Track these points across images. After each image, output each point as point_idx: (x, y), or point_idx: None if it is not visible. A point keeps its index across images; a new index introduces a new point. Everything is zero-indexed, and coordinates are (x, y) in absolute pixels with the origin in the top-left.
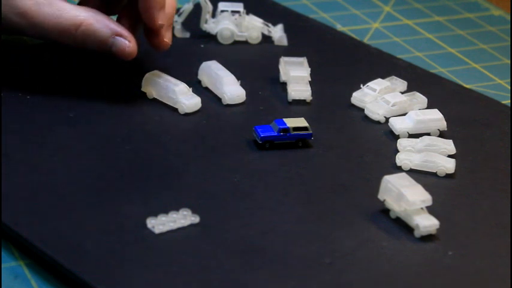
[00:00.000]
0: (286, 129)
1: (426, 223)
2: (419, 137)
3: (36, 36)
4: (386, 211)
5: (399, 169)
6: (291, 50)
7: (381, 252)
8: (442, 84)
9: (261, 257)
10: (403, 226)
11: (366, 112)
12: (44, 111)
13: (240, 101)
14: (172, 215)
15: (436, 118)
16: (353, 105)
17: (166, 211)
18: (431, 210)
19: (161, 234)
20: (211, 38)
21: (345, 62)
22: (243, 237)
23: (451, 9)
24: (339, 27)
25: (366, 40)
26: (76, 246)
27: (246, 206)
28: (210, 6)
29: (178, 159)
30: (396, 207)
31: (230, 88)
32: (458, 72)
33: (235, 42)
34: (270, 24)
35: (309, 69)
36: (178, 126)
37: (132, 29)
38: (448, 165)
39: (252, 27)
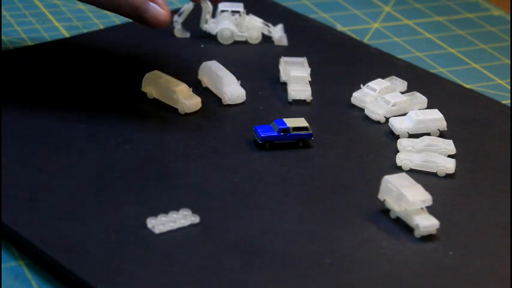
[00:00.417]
0: (286, 129)
1: (426, 223)
2: (420, 137)
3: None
4: (386, 211)
5: (399, 169)
6: (291, 50)
7: (381, 252)
8: (442, 84)
9: (261, 257)
10: (403, 226)
11: (366, 112)
12: (44, 111)
13: (240, 101)
14: (173, 215)
15: (436, 118)
16: (353, 105)
17: (166, 211)
18: (431, 210)
19: (161, 234)
20: (211, 38)
21: (345, 62)
22: (243, 237)
23: (451, 9)
24: (339, 27)
25: (366, 40)
26: (76, 246)
27: (246, 206)
28: (210, 6)
29: (178, 159)
30: (396, 207)
31: (230, 88)
32: (458, 72)
33: (235, 42)
34: (270, 24)
35: (309, 69)
36: (178, 126)
37: None
38: (448, 165)
39: (252, 27)
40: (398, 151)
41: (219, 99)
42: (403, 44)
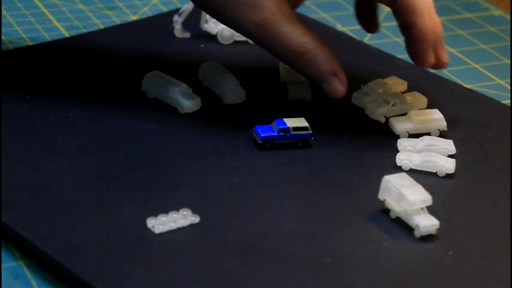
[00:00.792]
0: (286, 129)
1: (426, 223)
2: (420, 137)
3: (257, 42)
4: (386, 211)
5: (399, 169)
6: None
7: (381, 252)
8: (442, 84)
9: (261, 257)
10: (403, 226)
11: (366, 112)
12: (44, 111)
13: (240, 101)
14: (173, 215)
15: (436, 118)
16: (353, 105)
17: (166, 211)
18: (431, 210)
19: (161, 234)
20: (212, 38)
21: (345, 62)
22: (243, 237)
23: (451, 9)
24: (339, 27)
25: (366, 40)
26: (76, 246)
27: (246, 206)
28: None
29: (178, 159)
30: (396, 207)
31: (230, 88)
32: (458, 72)
33: (236, 43)
34: None
35: None
36: (178, 126)
37: None
38: (448, 165)
39: None
40: (398, 151)
41: (219, 99)
42: (403, 44)
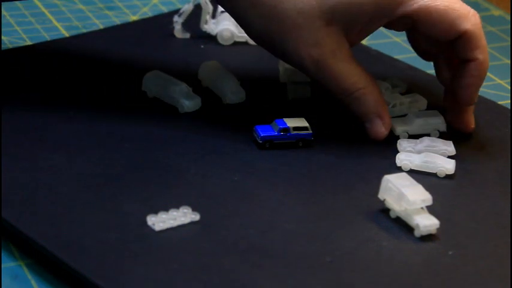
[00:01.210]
0: (287, 129)
1: (426, 223)
2: (419, 137)
3: (312, 77)
4: (386, 211)
5: (399, 170)
6: None
7: (381, 252)
8: (442, 86)
9: (261, 256)
10: (403, 226)
11: None
12: (44, 111)
13: (240, 101)
14: (173, 213)
15: (435, 119)
16: None
17: (166, 209)
18: (431, 210)
19: (161, 231)
20: (212, 38)
21: None
22: (243, 235)
23: None
24: None
25: (365, 40)
26: (77, 244)
27: (246, 205)
28: (210, 7)
29: (179, 159)
30: (396, 206)
31: (230, 88)
32: None
33: (235, 43)
34: None
35: None
36: (178, 126)
37: None
38: (448, 166)
39: None
40: (398, 152)
41: (219, 99)
42: (403, 44)
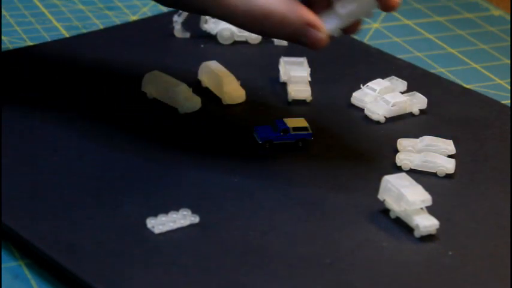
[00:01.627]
0: (286, 130)
1: (426, 223)
2: (419, 137)
3: (221, 18)
4: (386, 211)
5: (399, 169)
6: (291, 50)
7: (381, 252)
8: (442, 84)
9: (261, 257)
10: (403, 226)
11: (366, 112)
12: (43, 111)
13: (240, 101)
14: (172, 215)
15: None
16: (353, 105)
17: (166, 211)
18: (431, 210)
19: (161, 234)
20: (211, 38)
21: (345, 62)
22: (242, 237)
23: (451, 9)
24: None
25: (366, 40)
26: (76, 246)
27: (246, 206)
28: None
29: (178, 159)
30: (396, 207)
31: (230, 88)
32: (458, 72)
33: (235, 43)
34: None
35: (309, 69)
36: (178, 126)
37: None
38: (448, 166)
39: None
40: (398, 151)
41: (219, 99)
42: (403, 44)
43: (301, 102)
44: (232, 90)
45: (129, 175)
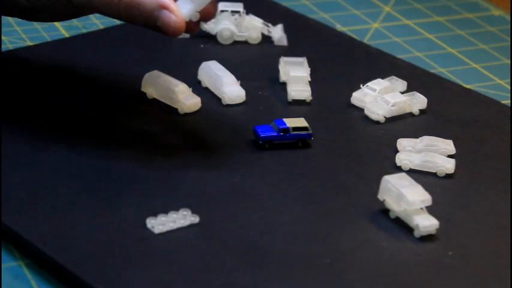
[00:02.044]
0: (286, 129)
1: (426, 223)
2: (418, 137)
3: (78, 4)
4: (386, 211)
5: (399, 169)
6: (291, 50)
7: (381, 252)
8: (442, 84)
9: (261, 257)
10: (403, 226)
11: (366, 112)
12: (43, 111)
13: (240, 101)
14: (172, 215)
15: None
16: (353, 105)
17: (166, 211)
18: (431, 210)
19: (161, 234)
20: (211, 38)
21: (344, 62)
22: (242, 237)
23: (451, 9)
24: (339, 27)
25: (366, 40)
26: (76, 246)
27: (246, 206)
28: None
29: (178, 159)
30: (396, 207)
31: (230, 88)
32: (458, 72)
33: (235, 43)
34: (269, 24)
35: (309, 69)
36: (178, 126)
37: None
38: (448, 166)
39: (252, 28)
40: (398, 151)
41: (219, 99)
42: (403, 44)
43: (301, 102)
44: (231, 91)
45: (129, 175)
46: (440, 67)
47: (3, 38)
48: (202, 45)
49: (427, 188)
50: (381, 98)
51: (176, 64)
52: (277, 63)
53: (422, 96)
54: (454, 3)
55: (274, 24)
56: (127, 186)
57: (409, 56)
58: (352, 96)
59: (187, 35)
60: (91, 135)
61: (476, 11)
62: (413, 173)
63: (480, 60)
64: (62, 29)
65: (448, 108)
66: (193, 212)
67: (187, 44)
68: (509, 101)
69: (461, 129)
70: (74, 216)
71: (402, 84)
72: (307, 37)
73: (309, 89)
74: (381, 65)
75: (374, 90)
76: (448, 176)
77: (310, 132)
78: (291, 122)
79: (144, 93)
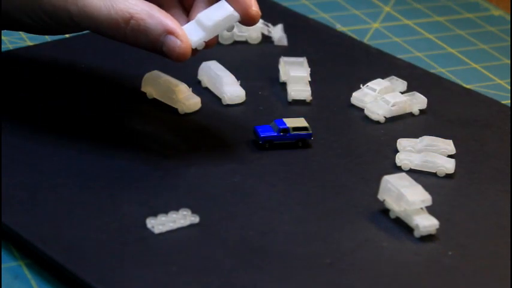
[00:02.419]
0: (286, 129)
1: (426, 223)
2: (419, 137)
3: (85, 27)
4: (386, 211)
5: (399, 169)
6: (291, 50)
7: (381, 252)
8: (442, 84)
9: (261, 257)
10: (403, 226)
11: (366, 112)
12: (43, 111)
13: (240, 101)
14: (172, 215)
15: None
16: (353, 105)
17: (166, 211)
18: (431, 210)
19: (161, 234)
20: None
21: (345, 62)
22: (242, 237)
23: (451, 9)
24: (339, 27)
25: (366, 40)
26: (76, 246)
27: (246, 206)
28: None
29: (178, 159)
30: (396, 207)
31: (230, 88)
32: (458, 72)
33: (235, 42)
34: (270, 24)
35: (309, 69)
36: (178, 126)
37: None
38: (448, 166)
39: (252, 28)
40: (398, 151)
41: (219, 99)
42: (403, 44)
43: (301, 102)
44: (231, 91)
45: (129, 175)
46: (440, 67)
47: (3, 38)
48: None
49: (427, 188)
50: (381, 98)
51: (176, 64)
52: (277, 63)
53: (422, 96)
54: (454, 3)
55: (274, 24)
56: (127, 186)
57: (409, 56)
58: (352, 96)
59: None
60: (91, 135)
61: (476, 11)
62: (413, 173)
63: (480, 60)
64: None
65: (448, 108)
66: (193, 212)
67: None
68: (509, 101)
69: (461, 129)
70: (74, 216)
71: (402, 84)
72: (307, 37)
73: (309, 89)
74: (381, 65)
75: (374, 90)
76: (448, 176)
77: (310, 132)
78: (291, 122)
79: (144, 93)
